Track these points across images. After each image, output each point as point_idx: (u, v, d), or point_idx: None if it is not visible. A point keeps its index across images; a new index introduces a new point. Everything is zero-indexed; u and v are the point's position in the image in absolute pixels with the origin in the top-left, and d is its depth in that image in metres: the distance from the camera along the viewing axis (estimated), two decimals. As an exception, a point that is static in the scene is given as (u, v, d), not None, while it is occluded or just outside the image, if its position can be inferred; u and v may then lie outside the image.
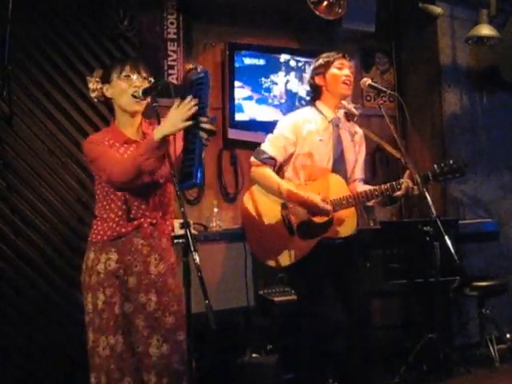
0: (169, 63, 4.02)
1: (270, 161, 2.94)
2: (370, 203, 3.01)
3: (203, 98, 2.16)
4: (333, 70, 2.98)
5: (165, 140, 2.19)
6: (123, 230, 2.33)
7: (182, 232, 2.03)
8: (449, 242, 2.49)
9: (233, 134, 4.13)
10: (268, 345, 3.55)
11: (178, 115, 2.15)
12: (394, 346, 3.88)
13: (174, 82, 3.98)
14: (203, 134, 2.13)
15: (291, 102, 4.33)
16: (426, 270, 3.52)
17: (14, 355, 3.18)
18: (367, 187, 2.97)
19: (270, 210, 2.98)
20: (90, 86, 2.42)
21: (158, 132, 2.18)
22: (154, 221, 2.37)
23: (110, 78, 2.40)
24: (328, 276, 2.94)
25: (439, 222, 2.57)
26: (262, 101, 4.24)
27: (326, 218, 2.85)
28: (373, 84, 3.03)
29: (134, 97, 2.33)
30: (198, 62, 4.14)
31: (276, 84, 4.29)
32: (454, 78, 4.57)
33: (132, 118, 2.43)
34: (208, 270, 2.62)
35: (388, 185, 2.84)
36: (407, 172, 2.81)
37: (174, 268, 2.42)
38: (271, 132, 3.03)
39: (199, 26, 4.14)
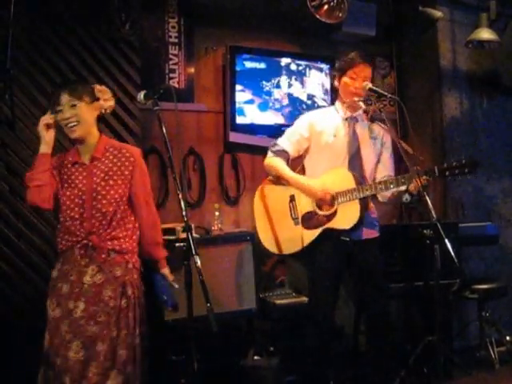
0: (170, 67, 4.05)
1: (282, 153, 3.12)
2: (388, 193, 3.02)
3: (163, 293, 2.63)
4: (345, 79, 3.06)
5: (42, 153, 2.42)
6: (62, 246, 2.48)
7: (183, 235, 2.05)
8: (449, 245, 2.50)
9: (234, 137, 4.14)
10: (270, 347, 3.56)
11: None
12: (394, 349, 3.88)
13: (175, 85, 4.01)
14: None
15: (292, 106, 4.34)
16: (425, 273, 3.53)
17: (16, 358, 3.18)
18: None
19: (278, 204, 3.14)
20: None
21: None
22: (91, 243, 2.43)
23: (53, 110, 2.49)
24: (332, 272, 3.03)
25: (439, 226, 2.58)
26: (262, 104, 4.26)
27: (330, 211, 2.96)
28: (373, 88, 3.04)
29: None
30: (200, 66, 4.17)
31: (277, 87, 4.31)
32: (454, 81, 4.59)
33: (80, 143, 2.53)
34: (209, 274, 2.62)
35: (403, 176, 2.87)
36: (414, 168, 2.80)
37: (117, 281, 2.44)
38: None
39: (200, 30, 4.16)
